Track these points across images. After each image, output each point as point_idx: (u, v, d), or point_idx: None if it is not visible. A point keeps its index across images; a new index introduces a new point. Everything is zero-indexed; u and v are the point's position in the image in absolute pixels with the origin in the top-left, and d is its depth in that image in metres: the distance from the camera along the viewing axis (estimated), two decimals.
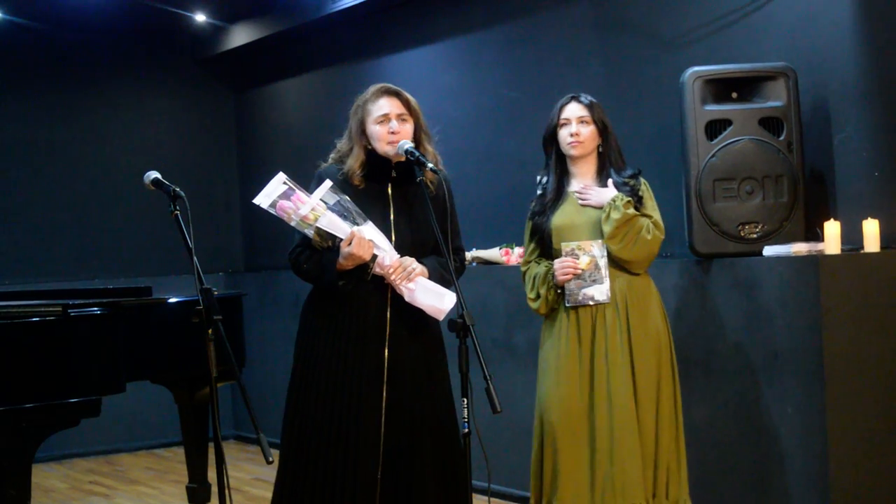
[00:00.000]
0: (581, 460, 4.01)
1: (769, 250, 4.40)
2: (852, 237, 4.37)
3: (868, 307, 4.21)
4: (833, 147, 4.58)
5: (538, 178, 4.24)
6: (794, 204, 4.49)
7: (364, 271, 3.68)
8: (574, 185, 4.13)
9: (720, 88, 4.59)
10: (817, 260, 4.18)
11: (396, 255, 3.70)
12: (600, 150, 4.13)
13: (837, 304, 4.17)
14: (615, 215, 3.98)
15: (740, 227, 4.51)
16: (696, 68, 4.57)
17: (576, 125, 4.06)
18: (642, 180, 4.11)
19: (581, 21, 5.74)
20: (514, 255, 5.66)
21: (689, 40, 5.18)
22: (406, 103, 3.81)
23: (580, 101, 4.10)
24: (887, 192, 4.42)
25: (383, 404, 3.71)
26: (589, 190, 4.07)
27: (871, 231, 4.28)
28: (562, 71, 5.81)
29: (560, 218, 4.10)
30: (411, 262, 3.70)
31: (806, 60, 4.61)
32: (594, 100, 4.12)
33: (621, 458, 3.95)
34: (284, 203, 3.63)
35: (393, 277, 3.68)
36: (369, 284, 3.72)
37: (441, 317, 3.73)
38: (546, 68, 5.91)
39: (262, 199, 3.64)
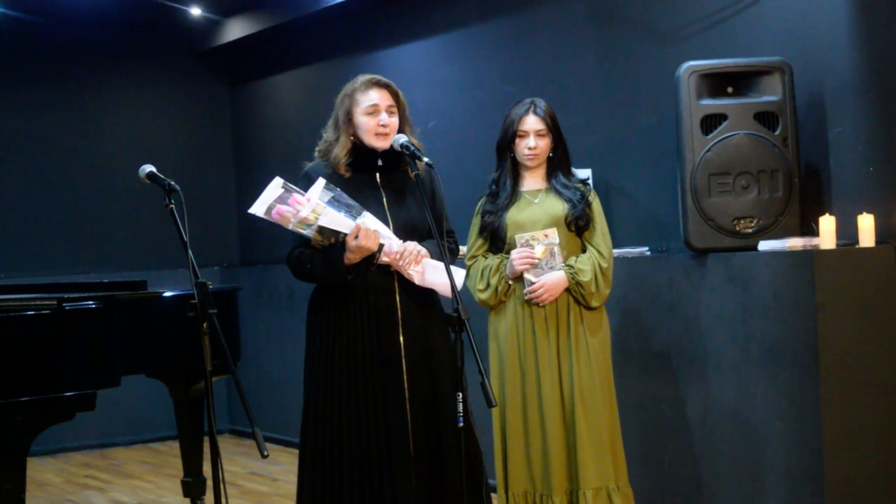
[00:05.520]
0: (545, 446, 4.14)
1: (764, 245, 4.41)
2: (847, 232, 4.37)
3: (863, 302, 4.21)
4: (828, 142, 4.58)
5: (490, 178, 4.39)
6: (789, 199, 4.49)
7: (369, 262, 3.68)
8: (526, 279, 4.21)
9: (716, 83, 4.58)
10: (812, 255, 4.18)
11: (399, 242, 3.70)
12: (551, 155, 4.31)
13: (832, 298, 4.17)
14: (584, 289, 4.17)
15: (735, 222, 4.51)
16: (692, 63, 4.57)
17: (533, 139, 4.25)
18: (592, 191, 4.32)
19: (576, 15, 5.73)
20: None
21: (684, 34, 5.17)
22: (395, 96, 3.83)
23: (537, 114, 4.25)
24: (882, 187, 4.42)
25: (405, 389, 3.70)
26: (539, 288, 4.17)
27: (867, 226, 4.28)
28: (557, 66, 5.81)
29: (516, 214, 4.26)
30: (416, 245, 3.71)
31: (802, 55, 4.61)
32: (549, 108, 4.28)
33: (584, 444, 4.12)
34: (282, 207, 3.57)
35: (401, 263, 3.68)
36: (375, 273, 3.71)
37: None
38: (541, 63, 5.91)
39: (258, 207, 3.58)
